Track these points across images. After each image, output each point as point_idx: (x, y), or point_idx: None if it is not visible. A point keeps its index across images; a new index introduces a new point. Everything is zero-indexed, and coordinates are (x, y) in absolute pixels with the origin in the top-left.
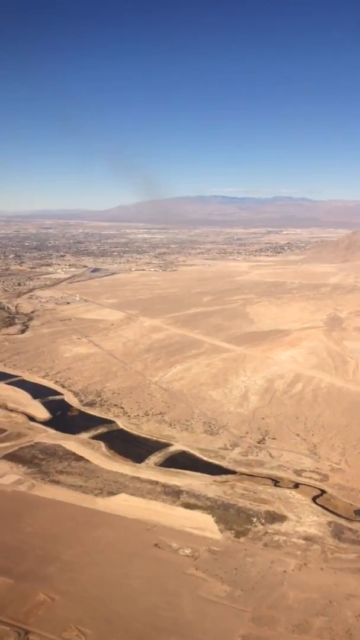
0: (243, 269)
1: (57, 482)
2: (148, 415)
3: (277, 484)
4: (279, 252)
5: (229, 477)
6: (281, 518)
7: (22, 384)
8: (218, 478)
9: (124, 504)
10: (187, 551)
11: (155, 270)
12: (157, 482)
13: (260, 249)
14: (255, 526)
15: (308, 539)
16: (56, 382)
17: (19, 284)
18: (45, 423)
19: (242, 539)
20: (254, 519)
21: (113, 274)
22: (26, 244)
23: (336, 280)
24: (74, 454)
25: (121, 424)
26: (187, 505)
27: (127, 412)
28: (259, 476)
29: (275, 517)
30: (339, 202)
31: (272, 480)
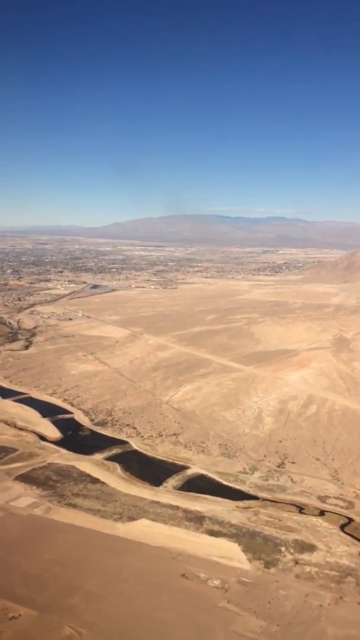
0: (244, 287)
1: (74, 506)
2: (162, 436)
3: (302, 510)
4: (277, 272)
5: (252, 502)
6: (310, 548)
7: (30, 402)
8: (240, 504)
9: (145, 530)
10: (217, 582)
11: (156, 288)
12: (177, 507)
13: (258, 268)
14: (285, 556)
15: (341, 570)
16: (65, 400)
17: (19, 299)
18: (57, 443)
19: (272, 570)
20: (283, 548)
21: (113, 290)
22: (23, 259)
23: (338, 300)
24: (89, 475)
25: (135, 444)
26: (212, 533)
27: (140, 433)
28: (282, 502)
29: (304, 547)
30: (333, 223)
31: (296, 506)
